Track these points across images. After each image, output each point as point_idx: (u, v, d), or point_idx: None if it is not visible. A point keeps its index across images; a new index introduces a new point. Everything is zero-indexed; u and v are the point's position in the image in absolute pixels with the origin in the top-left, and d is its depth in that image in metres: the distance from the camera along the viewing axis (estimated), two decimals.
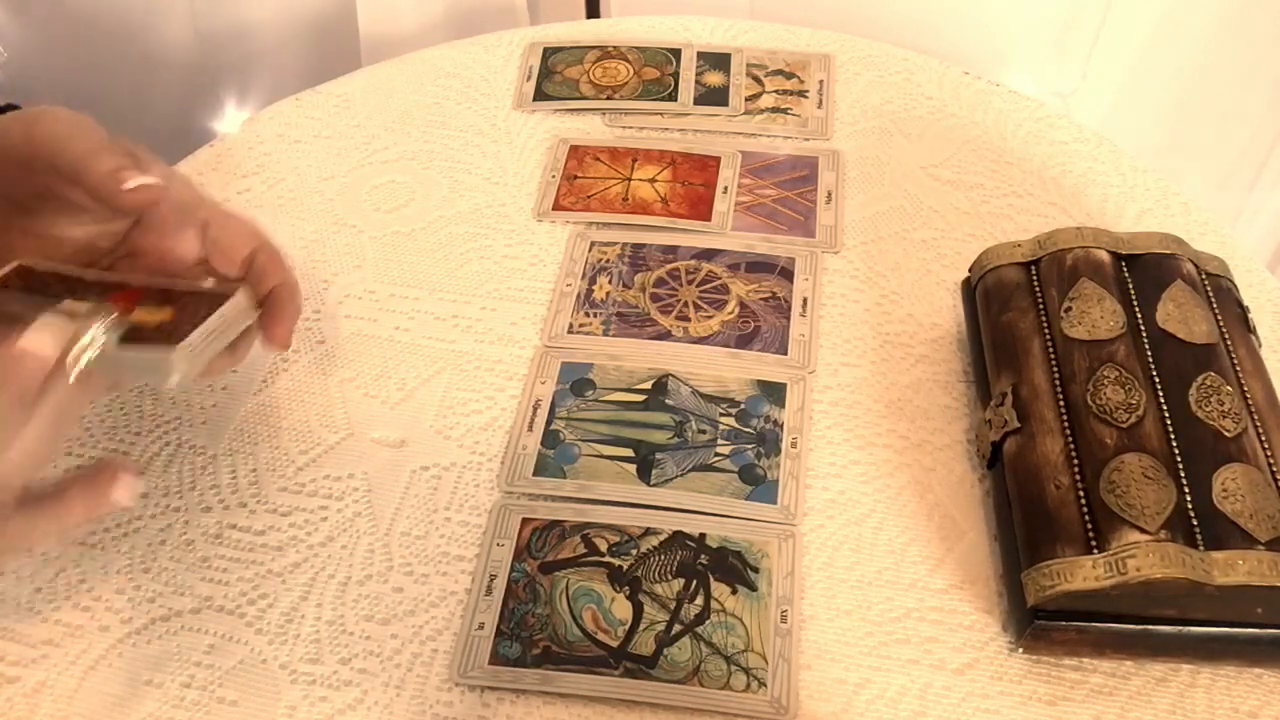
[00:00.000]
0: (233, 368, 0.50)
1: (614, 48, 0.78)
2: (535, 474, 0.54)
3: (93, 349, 0.41)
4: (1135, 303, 0.52)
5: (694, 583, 0.50)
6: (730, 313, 0.61)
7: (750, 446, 0.55)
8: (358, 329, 0.61)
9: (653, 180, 0.69)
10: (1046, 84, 0.92)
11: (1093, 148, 0.70)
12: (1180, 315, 0.51)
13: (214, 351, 0.45)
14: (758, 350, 0.59)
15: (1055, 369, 0.51)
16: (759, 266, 0.63)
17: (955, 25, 0.90)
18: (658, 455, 0.55)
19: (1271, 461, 0.47)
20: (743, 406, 0.57)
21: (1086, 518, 0.46)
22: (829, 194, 0.68)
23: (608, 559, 0.51)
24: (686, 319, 0.61)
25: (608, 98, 0.75)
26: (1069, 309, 0.52)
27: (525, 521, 0.52)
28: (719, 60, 0.77)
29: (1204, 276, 0.54)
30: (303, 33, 0.93)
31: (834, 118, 0.73)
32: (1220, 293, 0.54)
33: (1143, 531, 0.44)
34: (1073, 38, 0.90)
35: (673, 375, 0.58)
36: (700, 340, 0.60)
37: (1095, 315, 0.52)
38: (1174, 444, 0.47)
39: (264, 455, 0.56)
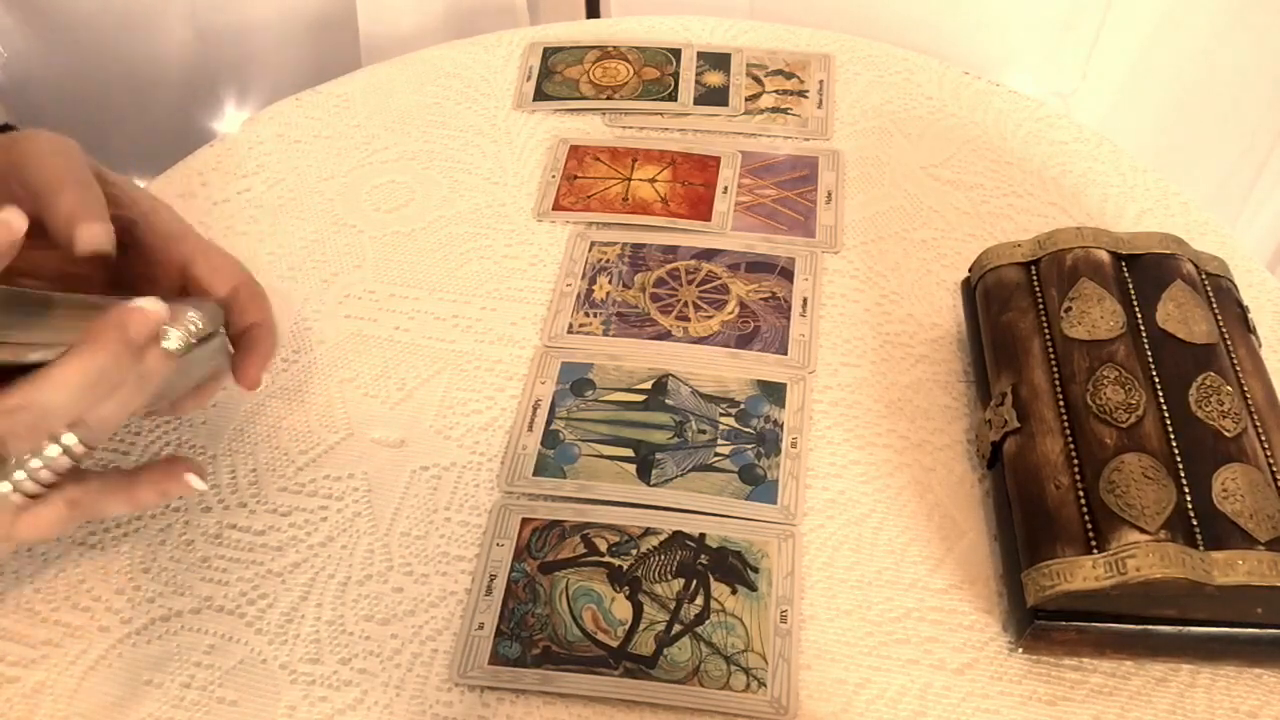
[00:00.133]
0: (202, 406, 0.51)
1: (614, 48, 0.78)
2: (535, 474, 0.54)
3: (189, 327, 0.43)
4: (1135, 303, 0.52)
5: (694, 583, 0.50)
6: (730, 313, 0.61)
7: (750, 446, 0.55)
8: (358, 329, 0.61)
9: (653, 180, 0.69)
10: (1046, 84, 0.92)
11: (1093, 148, 0.70)
12: (1180, 315, 0.51)
13: (188, 350, 0.45)
14: (758, 350, 0.59)
15: (1055, 369, 0.51)
16: (759, 266, 0.63)
17: (955, 25, 0.90)
18: (658, 455, 0.55)
19: (1271, 461, 0.47)
20: (743, 406, 0.57)
21: (1086, 518, 0.46)
22: (829, 194, 0.68)
23: (608, 559, 0.51)
24: (686, 319, 0.61)
25: (608, 98, 0.75)
26: (1069, 309, 0.52)
27: (525, 521, 0.52)
28: (719, 60, 0.77)
29: (1204, 276, 0.54)
30: (303, 33, 0.92)
31: (834, 118, 0.73)
32: (1220, 293, 0.54)
33: (1143, 531, 0.44)
34: (1073, 38, 0.90)
35: (673, 375, 0.58)
36: (700, 340, 0.60)
37: (1095, 315, 0.52)
38: (1174, 444, 0.47)
39: (264, 455, 0.56)
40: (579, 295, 0.62)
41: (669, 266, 0.64)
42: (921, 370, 0.59)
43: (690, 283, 0.63)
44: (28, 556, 0.52)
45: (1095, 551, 0.45)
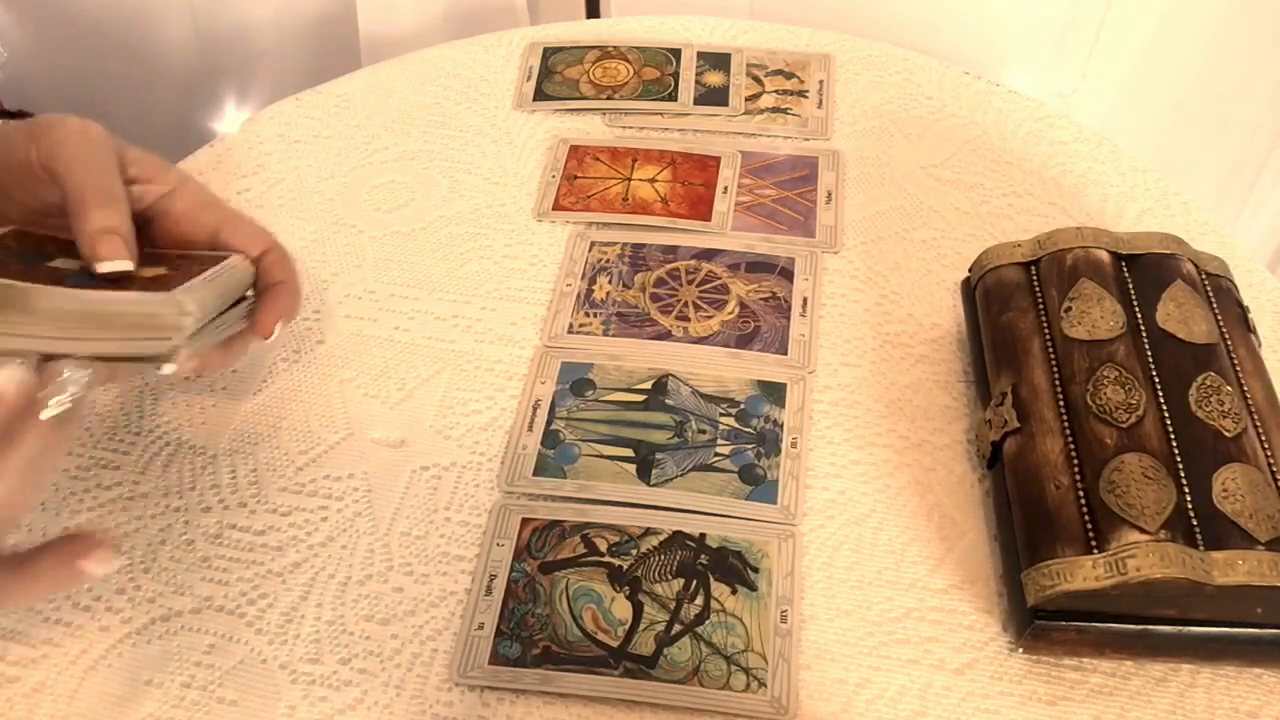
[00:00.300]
0: (227, 366, 0.51)
1: (614, 48, 0.78)
2: (535, 474, 0.54)
3: (67, 389, 0.39)
4: (1135, 303, 0.52)
5: (694, 583, 0.50)
6: (730, 313, 0.61)
7: (750, 446, 0.55)
8: (358, 329, 0.61)
9: (653, 180, 0.69)
10: (1046, 84, 0.92)
11: (1093, 148, 0.70)
12: (1180, 315, 0.51)
13: (215, 309, 0.45)
14: (758, 350, 0.59)
15: (1055, 369, 0.51)
16: (759, 266, 0.63)
17: (955, 25, 0.90)
18: (658, 455, 0.55)
19: (1271, 461, 0.47)
20: (743, 406, 0.57)
21: (1086, 518, 0.46)
22: (829, 194, 0.68)
23: (608, 559, 0.51)
24: (686, 319, 0.61)
25: (608, 98, 0.75)
26: (1069, 309, 0.52)
27: (525, 521, 0.52)
28: (719, 60, 0.77)
29: (1204, 276, 0.54)
30: (303, 33, 0.92)
31: (834, 118, 0.73)
32: (1220, 293, 0.54)
33: (1143, 531, 0.44)
34: (1073, 38, 0.90)
35: (673, 375, 0.58)
36: (700, 340, 0.60)
37: (1095, 315, 0.52)
38: (1174, 444, 0.47)
39: (264, 455, 0.56)
40: (579, 295, 0.62)
41: (669, 266, 0.64)
42: (921, 370, 0.59)
43: (690, 283, 0.63)
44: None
45: (1095, 551, 0.45)
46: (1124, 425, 0.48)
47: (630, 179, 0.69)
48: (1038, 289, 0.54)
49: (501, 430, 0.56)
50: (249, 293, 0.50)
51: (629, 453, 0.55)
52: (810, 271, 0.63)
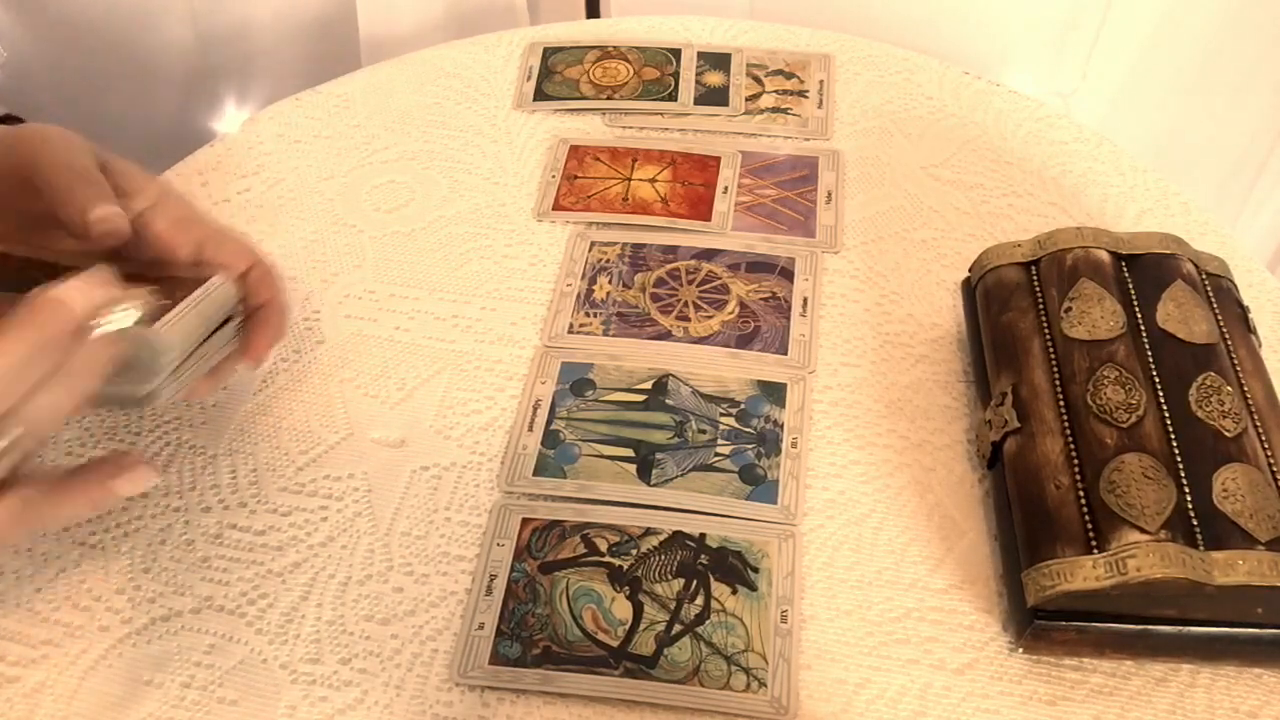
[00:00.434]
0: (215, 390, 0.50)
1: (614, 48, 0.78)
2: (535, 474, 0.54)
3: (119, 317, 0.40)
4: (1135, 303, 0.52)
5: (694, 583, 0.50)
6: (730, 313, 0.61)
7: (750, 446, 0.55)
8: (358, 329, 0.61)
9: (653, 180, 0.69)
10: (1046, 84, 0.92)
11: (1093, 148, 0.70)
12: (1180, 315, 0.51)
13: (198, 338, 0.45)
14: (758, 350, 0.59)
15: (1055, 369, 0.51)
16: (759, 266, 0.63)
17: (955, 25, 0.90)
18: (658, 455, 0.55)
19: (1271, 461, 0.47)
20: (743, 406, 0.57)
21: (1086, 518, 0.46)
22: (829, 194, 0.68)
23: (608, 559, 0.51)
24: (686, 319, 0.61)
25: (608, 98, 0.75)
26: (1069, 309, 0.52)
27: (525, 521, 0.52)
28: (719, 60, 0.77)
29: (1204, 276, 0.54)
30: (303, 33, 0.92)
31: (834, 118, 0.73)
32: (1220, 293, 0.54)
33: (1143, 531, 0.44)
34: (1073, 38, 0.90)
35: (673, 375, 0.58)
36: (700, 340, 0.60)
37: (1095, 315, 0.52)
38: (1174, 444, 0.47)
39: (264, 455, 0.56)
40: (579, 295, 0.62)
41: (669, 266, 0.64)
42: (921, 370, 0.59)
43: (690, 283, 0.63)
44: (28, 556, 0.52)
45: (1095, 551, 0.45)
46: (1124, 425, 0.48)
47: (630, 179, 0.69)
48: (1038, 289, 0.54)
49: (501, 430, 0.56)
50: (240, 307, 0.49)
51: (629, 453, 0.55)
52: (810, 271, 0.63)
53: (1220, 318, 0.52)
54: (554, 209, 0.67)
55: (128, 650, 0.49)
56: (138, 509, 0.53)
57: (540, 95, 0.75)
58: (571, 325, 0.61)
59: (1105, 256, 0.54)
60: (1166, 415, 0.48)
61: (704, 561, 0.51)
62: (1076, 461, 0.48)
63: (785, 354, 0.59)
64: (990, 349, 0.55)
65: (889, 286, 0.63)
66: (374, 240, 0.66)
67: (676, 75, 0.76)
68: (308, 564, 0.51)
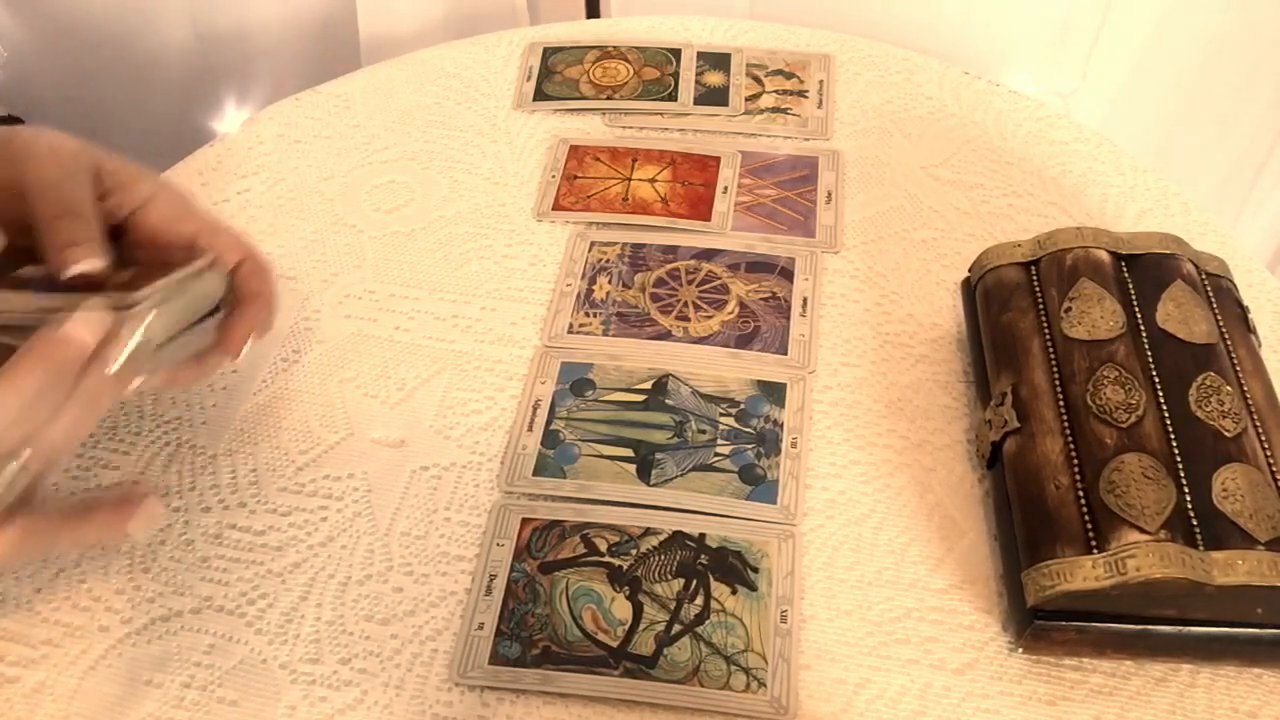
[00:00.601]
0: (200, 382, 0.50)
1: (614, 48, 0.78)
2: (535, 474, 0.54)
3: (133, 340, 0.42)
4: (1135, 303, 0.52)
5: (694, 583, 0.50)
6: (730, 313, 0.61)
7: (750, 446, 0.55)
8: (358, 329, 0.61)
9: (653, 180, 0.69)
10: (1046, 84, 0.92)
11: (1093, 148, 0.70)
12: (1180, 315, 0.51)
13: (181, 324, 0.44)
14: (758, 350, 0.59)
15: (1055, 369, 0.51)
16: (759, 266, 0.63)
17: (955, 25, 0.90)
18: (658, 455, 0.55)
19: (1271, 461, 0.47)
20: (743, 406, 0.57)
21: (1086, 518, 0.46)
22: (829, 194, 0.68)
23: (608, 559, 0.51)
24: (686, 319, 0.61)
25: (608, 98, 0.75)
26: (1069, 309, 0.52)
27: (525, 521, 0.52)
28: (719, 60, 0.77)
29: (1204, 276, 0.54)
30: (303, 33, 0.93)
31: (834, 118, 0.73)
32: (1220, 293, 0.54)
33: (1142, 531, 0.44)
34: (1073, 38, 0.90)
35: (673, 375, 0.58)
36: (700, 340, 0.60)
37: (1095, 315, 0.52)
38: (1174, 444, 0.47)
39: (264, 455, 0.56)
40: (579, 295, 0.62)
41: (669, 266, 0.64)
42: (921, 370, 0.59)
43: (690, 283, 0.63)
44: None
45: (1095, 551, 0.45)
46: (1124, 425, 0.48)
47: (630, 179, 0.69)
48: (1038, 289, 0.54)
49: (501, 430, 0.56)
50: (229, 299, 0.49)
51: (629, 453, 0.55)
52: (810, 271, 0.63)
53: (1220, 318, 0.52)
54: (554, 209, 0.67)
55: (128, 650, 0.49)
56: None
57: (540, 95, 0.75)
58: (571, 325, 0.61)
59: (1105, 256, 0.54)
60: (1166, 415, 0.48)
61: (704, 561, 0.51)
62: (1076, 461, 0.48)
63: (785, 354, 0.59)
64: (990, 349, 0.55)
65: (889, 286, 0.63)
66: (374, 240, 0.66)
67: (676, 75, 0.76)
68: (307, 564, 0.51)
